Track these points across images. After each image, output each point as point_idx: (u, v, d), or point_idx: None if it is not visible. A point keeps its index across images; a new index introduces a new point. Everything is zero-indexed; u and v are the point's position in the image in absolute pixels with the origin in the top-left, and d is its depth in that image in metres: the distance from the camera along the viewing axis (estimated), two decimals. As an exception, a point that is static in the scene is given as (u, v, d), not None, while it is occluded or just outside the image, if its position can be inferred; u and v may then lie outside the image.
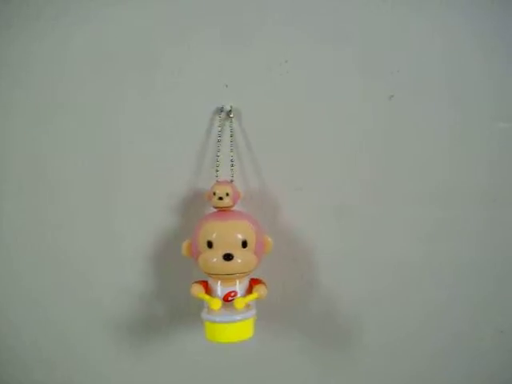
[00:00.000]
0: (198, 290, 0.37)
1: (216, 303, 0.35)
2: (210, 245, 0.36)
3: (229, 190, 0.38)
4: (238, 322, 0.35)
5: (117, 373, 0.48)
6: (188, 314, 0.44)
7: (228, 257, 0.35)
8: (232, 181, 0.40)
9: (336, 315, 0.44)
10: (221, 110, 0.41)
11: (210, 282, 0.38)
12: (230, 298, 0.36)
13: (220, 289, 0.37)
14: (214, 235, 0.36)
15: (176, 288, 0.43)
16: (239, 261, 0.35)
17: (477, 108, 0.39)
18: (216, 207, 0.38)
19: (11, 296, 0.46)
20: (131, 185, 0.43)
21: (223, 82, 0.40)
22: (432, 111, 0.40)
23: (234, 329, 0.35)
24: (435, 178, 0.41)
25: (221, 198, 0.37)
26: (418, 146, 0.40)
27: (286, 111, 0.41)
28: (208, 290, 0.38)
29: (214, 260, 0.35)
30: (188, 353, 0.46)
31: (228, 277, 0.36)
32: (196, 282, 0.38)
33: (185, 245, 0.38)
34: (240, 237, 0.36)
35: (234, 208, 0.39)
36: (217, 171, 0.40)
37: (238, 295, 0.37)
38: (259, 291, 0.37)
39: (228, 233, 0.36)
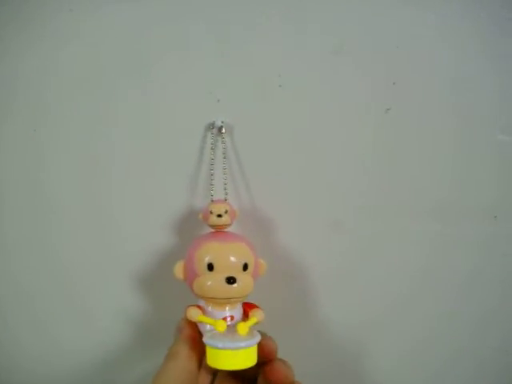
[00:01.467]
0: (197, 314, 0.34)
1: (221, 325, 0.32)
2: (210, 267, 0.33)
3: (227, 208, 0.36)
4: (243, 349, 0.32)
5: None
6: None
7: (231, 280, 0.33)
8: (226, 199, 0.38)
9: (333, 336, 0.43)
10: (212, 125, 0.39)
11: (204, 306, 0.35)
12: (228, 323, 0.34)
13: (217, 313, 0.34)
14: (216, 257, 0.34)
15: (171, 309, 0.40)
16: (241, 284, 0.33)
17: (478, 121, 0.39)
18: (214, 226, 0.36)
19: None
20: (125, 201, 0.41)
21: (215, 97, 0.39)
22: (431, 124, 0.39)
23: (238, 356, 0.32)
24: (434, 193, 0.40)
25: (219, 216, 0.35)
26: (417, 161, 0.40)
27: (279, 126, 0.40)
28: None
29: (216, 283, 0.33)
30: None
31: (226, 301, 0.34)
32: (192, 306, 0.35)
33: (178, 266, 0.35)
34: (242, 260, 0.34)
35: (227, 229, 0.37)
36: (211, 190, 0.38)
37: (235, 319, 0.34)
38: (257, 316, 0.35)
39: (230, 255, 0.34)
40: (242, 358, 0.32)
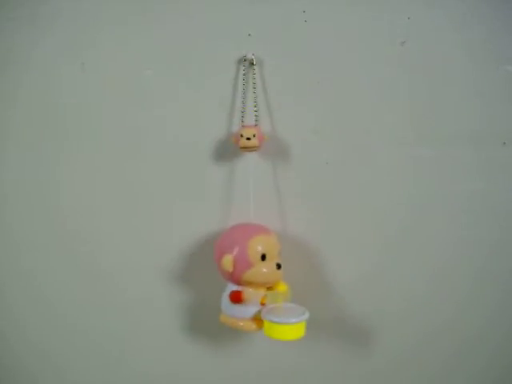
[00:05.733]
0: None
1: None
2: (263, 257, 0.40)
3: (255, 132, 0.42)
4: (294, 323, 0.39)
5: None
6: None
7: (279, 266, 0.41)
8: (256, 125, 0.44)
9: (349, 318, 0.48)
10: (244, 58, 0.44)
11: (245, 290, 0.41)
12: (264, 302, 0.41)
13: (256, 294, 0.41)
14: (267, 248, 0.41)
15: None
16: (282, 268, 0.41)
17: (488, 53, 0.42)
18: (244, 147, 0.42)
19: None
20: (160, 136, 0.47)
21: (246, 32, 0.44)
22: (444, 56, 0.43)
23: (290, 329, 0.39)
24: (446, 121, 0.43)
25: (248, 139, 0.41)
26: (429, 90, 0.43)
27: (304, 57, 0.44)
28: (241, 300, 0.41)
29: (270, 270, 0.40)
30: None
31: (268, 285, 0.41)
32: (239, 292, 0.41)
33: (228, 260, 0.40)
34: (279, 248, 0.42)
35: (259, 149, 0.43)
36: (242, 116, 0.44)
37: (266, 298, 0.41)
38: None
39: (275, 245, 0.42)
40: (293, 331, 0.39)
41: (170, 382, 0.52)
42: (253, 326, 0.41)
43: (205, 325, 0.49)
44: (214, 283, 0.44)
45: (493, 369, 0.47)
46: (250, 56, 0.43)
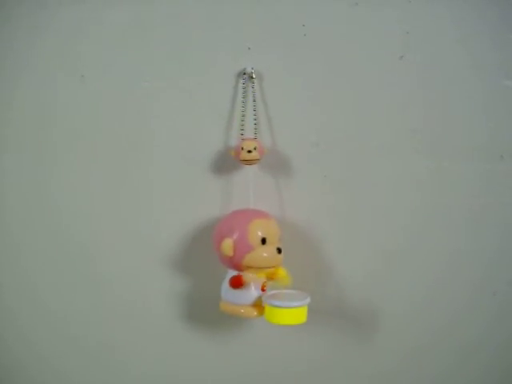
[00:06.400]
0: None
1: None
2: (264, 241, 0.40)
3: (256, 145, 0.42)
4: (296, 307, 0.38)
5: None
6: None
7: (280, 250, 0.40)
8: (255, 138, 0.43)
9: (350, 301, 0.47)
10: (243, 72, 0.44)
11: (245, 274, 0.40)
12: (265, 288, 0.40)
13: (258, 279, 0.40)
14: (267, 233, 0.40)
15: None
16: (282, 252, 0.40)
17: (486, 68, 0.43)
18: (244, 161, 0.42)
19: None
20: (160, 148, 0.47)
21: (246, 45, 0.44)
22: (442, 70, 0.43)
23: (291, 313, 0.38)
24: (444, 134, 0.44)
25: (249, 152, 0.41)
26: (428, 103, 0.44)
27: (303, 71, 0.44)
28: (241, 283, 0.40)
29: (270, 254, 0.40)
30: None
31: (267, 269, 0.41)
32: (239, 276, 0.40)
33: (228, 244, 0.40)
34: (279, 232, 0.42)
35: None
36: (242, 129, 0.44)
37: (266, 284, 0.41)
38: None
39: (275, 229, 0.41)
40: (294, 315, 0.38)
41: (169, 373, 0.51)
42: (254, 312, 0.40)
43: (204, 313, 0.48)
44: (214, 272, 0.43)
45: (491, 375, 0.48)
46: (249, 69, 0.43)
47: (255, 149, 0.41)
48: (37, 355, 0.51)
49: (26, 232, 0.49)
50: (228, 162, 0.45)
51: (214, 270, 0.44)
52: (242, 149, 0.41)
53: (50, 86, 0.46)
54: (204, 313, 0.48)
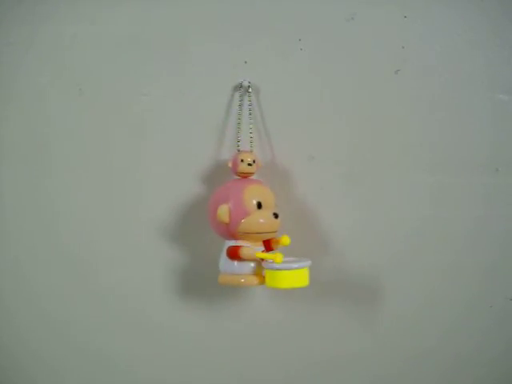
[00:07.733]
0: (254, 251, 0.39)
1: (280, 257, 0.38)
2: (259, 206, 0.39)
3: (255, 158, 0.42)
4: (297, 269, 0.38)
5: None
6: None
7: (276, 215, 0.39)
8: (251, 151, 0.43)
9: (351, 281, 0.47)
10: (240, 85, 0.44)
11: (241, 243, 0.40)
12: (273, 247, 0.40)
13: (256, 247, 0.40)
14: (262, 197, 0.40)
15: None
16: (280, 217, 0.40)
17: (480, 82, 0.44)
18: (241, 173, 0.41)
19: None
20: (157, 158, 0.46)
21: (243, 59, 0.44)
22: (437, 84, 0.44)
23: (292, 275, 0.38)
24: (439, 148, 0.44)
25: (249, 165, 0.41)
26: (423, 117, 0.44)
27: (299, 85, 0.44)
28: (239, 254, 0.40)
29: (267, 219, 0.39)
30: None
31: (269, 235, 0.40)
32: (238, 246, 0.40)
33: (224, 210, 0.39)
34: (274, 198, 0.41)
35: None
36: (238, 142, 0.43)
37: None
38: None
39: (270, 195, 0.41)
40: (295, 277, 0.38)
41: (168, 346, 0.49)
42: (254, 280, 0.39)
43: (203, 287, 0.47)
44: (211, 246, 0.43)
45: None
46: (245, 83, 0.44)
47: (254, 162, 0.41)
48: (36, 357, 0.49)
49: (23, 236, 0.48)
50: (224, 174, 0.44)
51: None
52: (242, 161, 0.41)
53: (48, 99, 0.46)
54: (203, 286, 0.47)
